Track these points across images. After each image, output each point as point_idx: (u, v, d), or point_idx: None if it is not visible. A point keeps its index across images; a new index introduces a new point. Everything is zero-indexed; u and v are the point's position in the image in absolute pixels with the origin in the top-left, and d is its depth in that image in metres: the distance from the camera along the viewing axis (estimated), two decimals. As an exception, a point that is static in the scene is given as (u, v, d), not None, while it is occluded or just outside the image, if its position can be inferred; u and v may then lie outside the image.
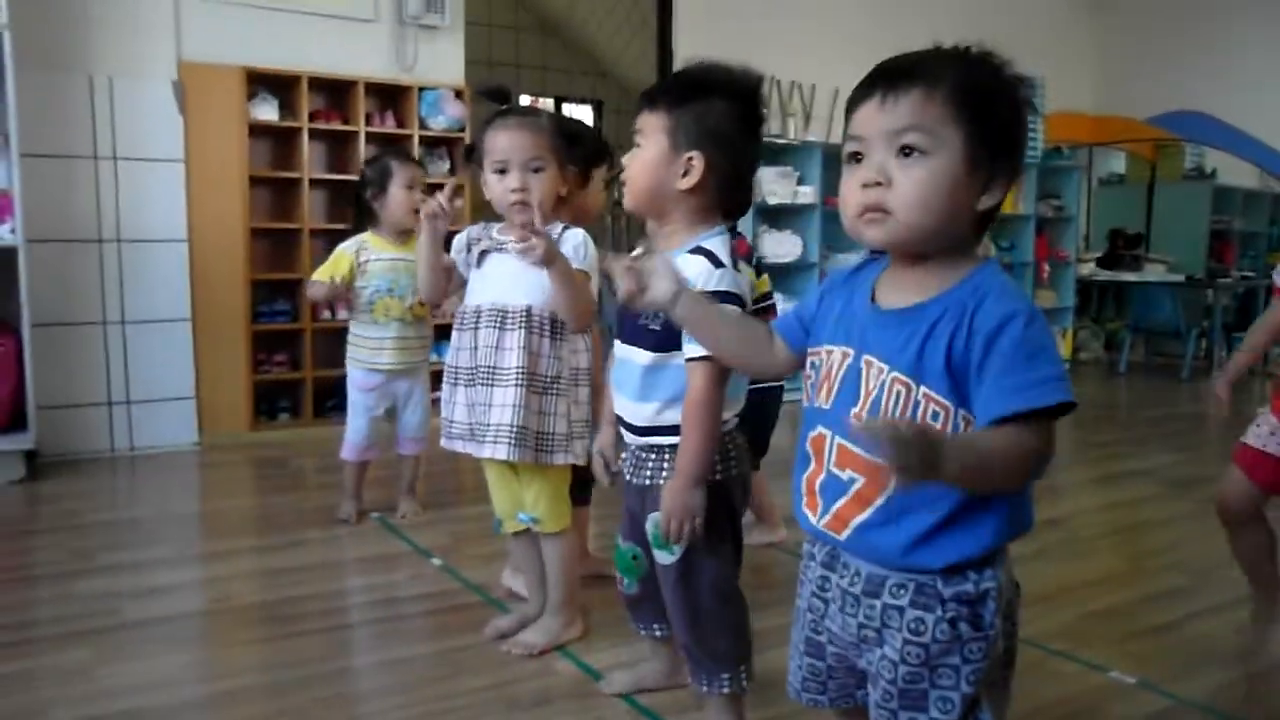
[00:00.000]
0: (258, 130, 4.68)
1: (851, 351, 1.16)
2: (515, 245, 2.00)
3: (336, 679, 2.17)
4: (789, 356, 1.32)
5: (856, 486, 1.14)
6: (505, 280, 2.07)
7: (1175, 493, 3.88)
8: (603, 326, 2.40)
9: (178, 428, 4.45)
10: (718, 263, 1.57)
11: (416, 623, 2.52)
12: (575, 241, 2.06)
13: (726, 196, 1.65)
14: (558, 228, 2.08)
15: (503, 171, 2.01)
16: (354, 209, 3.36)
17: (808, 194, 5.93)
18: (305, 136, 4.70)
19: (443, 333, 2.83)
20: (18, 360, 3.83)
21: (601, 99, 8.95)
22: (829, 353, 1.20)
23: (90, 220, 4.24)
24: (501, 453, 2.05)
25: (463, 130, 5.10)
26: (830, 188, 5.60)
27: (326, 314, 4.71)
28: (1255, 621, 2.38)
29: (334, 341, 4.65)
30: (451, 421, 2.14)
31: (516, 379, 2.03)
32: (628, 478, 1.79)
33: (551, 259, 1.90)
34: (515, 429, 2.03)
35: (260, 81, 4.65)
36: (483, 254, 2.12)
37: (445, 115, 5.04)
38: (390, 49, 4.97)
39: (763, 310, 2.74)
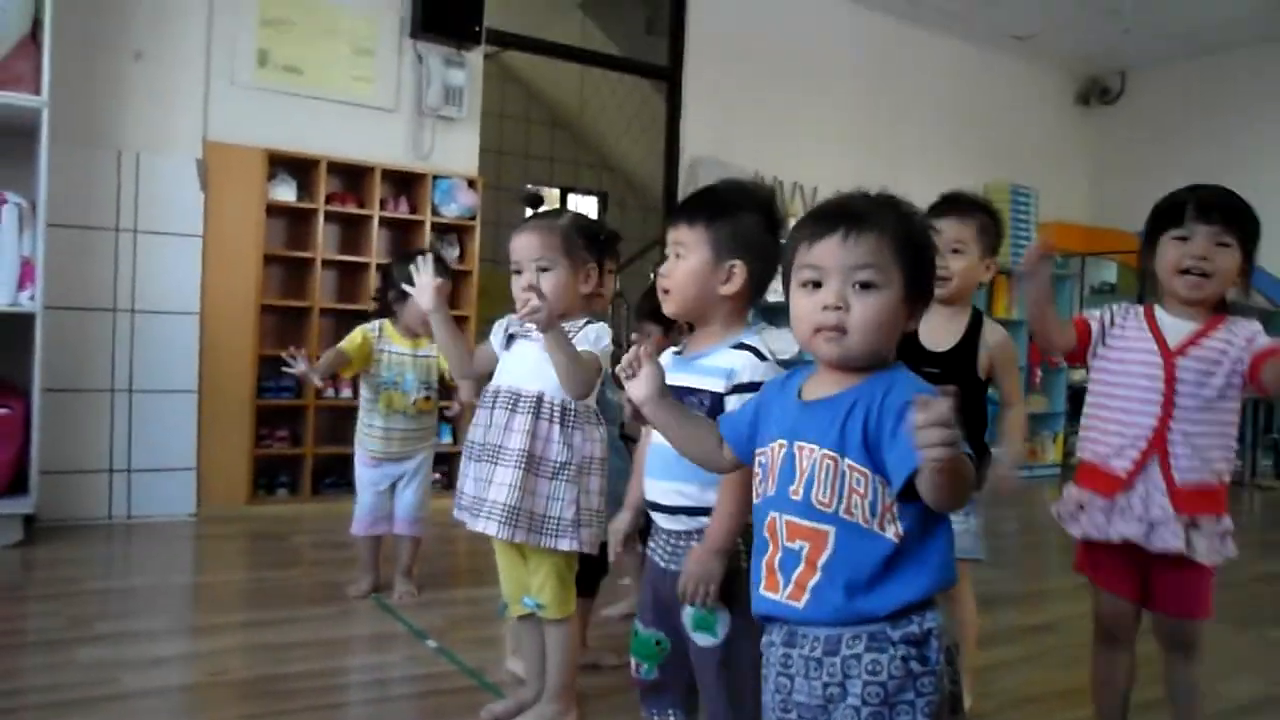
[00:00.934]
0: (275, 210, 4.80)
1: (785, 441, 1.35)
2: (522, 312, 2.08)
3: (331, 758, 2.18)
4: (733, 459, 1.51)
5: (805, 551, 1.31)
6: (525, 365, 2.19)
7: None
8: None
9: (176, 498, 4.47)
10: (762, 357, 1.72)
11: (410, 704, 2.53)
12: (596, 334, 2.18)
13: (757, 297, 1.80)
14: (580, 321, 2.19)
15: (518, 271, 2.16)
16: (377, 298, 3.50)
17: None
18: (321, 218, 4.82)
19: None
20: (25, 425, 3.87)
21: (606, 191, 9.17)
22: (771, 449, 1.38)
23: (107, 289, 4.34)
24: (493, 529, 2.12)
25: (473, 218, 5.23)
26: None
27: (330, 391, 4.77)
28: None
29: (336, 418, 4.72)
30: (462, 493, 2.23)
31: (517, 460, 2.12)
32: (661, 564, 1.82)
33: (550, 324, 1.99)
34: (508, 508, 2.11)
35: (280, 163, 4.79)
36: (511, 338, 2.26)
37: (458, 203, 5.18)
38: (408, 137, 5.14)
39: None
